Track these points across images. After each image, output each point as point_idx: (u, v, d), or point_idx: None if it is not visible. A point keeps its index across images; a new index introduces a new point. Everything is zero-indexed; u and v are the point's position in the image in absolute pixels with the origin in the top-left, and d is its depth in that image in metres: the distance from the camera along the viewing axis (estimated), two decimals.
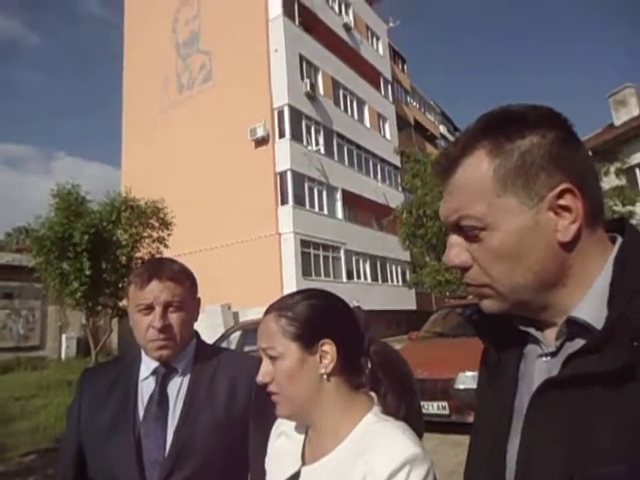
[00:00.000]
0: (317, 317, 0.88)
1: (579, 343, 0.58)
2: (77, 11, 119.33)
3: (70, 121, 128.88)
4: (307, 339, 0.86)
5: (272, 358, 0.87)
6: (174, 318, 1.17)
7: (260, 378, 0.88)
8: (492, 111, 0.64)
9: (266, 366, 0.88)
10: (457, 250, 0.64)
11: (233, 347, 7.82)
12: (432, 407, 5.24)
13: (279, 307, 0.91)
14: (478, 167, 0.61)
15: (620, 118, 15.98)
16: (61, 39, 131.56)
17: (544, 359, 0.64)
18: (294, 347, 0.86)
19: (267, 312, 0.92)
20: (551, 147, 0.59)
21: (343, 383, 0.88)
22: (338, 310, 0.92)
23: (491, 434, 0.68)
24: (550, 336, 0.63)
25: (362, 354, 0.92)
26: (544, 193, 0.58)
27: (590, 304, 0.58)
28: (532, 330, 0.65)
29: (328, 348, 0.86)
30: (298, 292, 0.94)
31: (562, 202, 0.58)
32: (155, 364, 1.21)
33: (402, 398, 0.89)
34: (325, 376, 0.86)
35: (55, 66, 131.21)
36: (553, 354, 0.62)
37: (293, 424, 0.96)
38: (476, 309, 0.71)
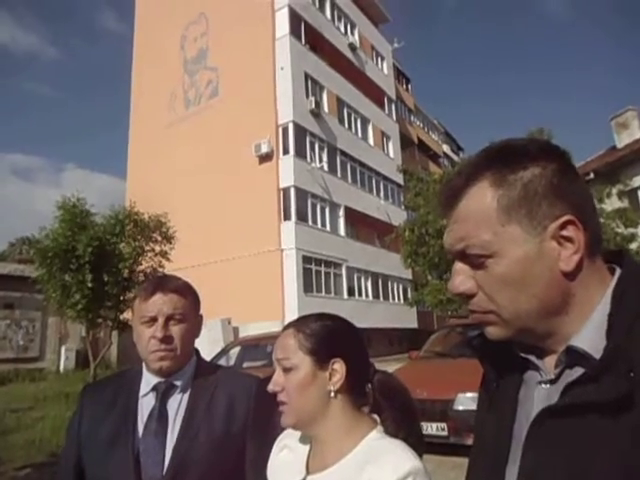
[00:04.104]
0: (332, 337, 0.95)
1: (578, 372, 0.60)
2: (94, 27, 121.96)
3: (81, 133, 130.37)
4: (320, 355, 0.92)
5: (285, 369, 0.93)
6: (175, 330, 1.20)
7: (271, 387, 0.94)
8: (493, 144, 0.67)
9: (278, 376, 0.94)
10: (462, 277, 0.65)
11: (232, 362, 7.77)
12: (431, 428, 5.19)
13: (298, 324, 0.98)
14: (482, 197, 0.63)
15: (622, 140, 16.08)
16: (76, 53, 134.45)
17: (543, 386, 0.65)
18: (308, 361, 0.92)
19: (286, 328, 0.99)
20: (552, 178, 0.61)
21: (348, 402, 0.94)
22: (351, 334, 0.99)
23: (489, 459, 0.68)
24: (550, 363, 0.65)
25: (367, 380, 0.98)
26: (547, 223, 0.60)
27: (589, 334, 0.60)
28: (533, 357, 0.66)
29: (338, 367, 0.92)
30: (317, 314, 1.01)
31: (565, 233, 0.60)
32: (155, 380, 1.23)
33: (401, 425, 0.94)
34: (333, 393, 0.92)
35: (69, 79, 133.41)
36: (552, 381, 0.64)
37: (296, 438, 1.00)
38: (477, 334, 0.72)
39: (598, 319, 0.60)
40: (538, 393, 0.65)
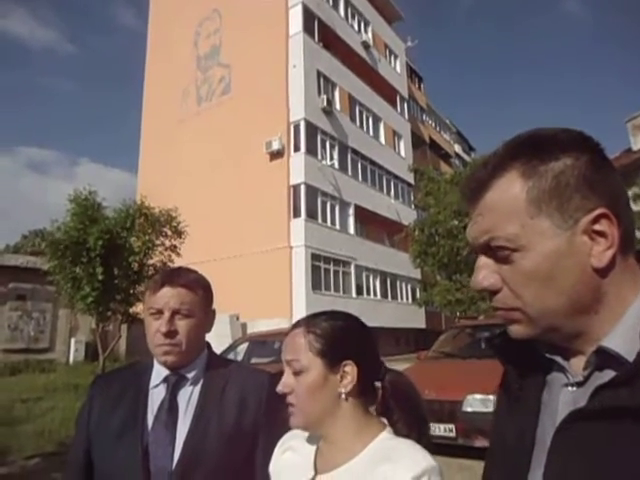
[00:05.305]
0: (343, 338, 0.92)
1: (608, 374, 0.57)
2: (111, 23, 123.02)
3: (96, 128, 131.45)
4: (331, 357, 0.89)
5: (295, 372, 0.90)
6: (182, 325, 1.19)
7: (280, 388, 0.91)
8: (522, 133, 0.63)
9: (287, 377, 0.91)
10: (486, 272, 0.62)
11: (240, 358, 7.80)
12: (439, 429, 5.15)
13: (308, 323, 0.94)
14: (510, 188, 0.60)
15: (638, 143, 15.84)
16: (93, 49, 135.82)
17: (570, 389, 0.61)
18: (318, 363, 0.89)
19: (295, 326, 0.96)
20: (585, 170, 0.58)
21: (359, 404, 0.91)
22: (363, 335, 0.96)
23: (510, 464, 0.65)
24: (576, 365, 0.61)
25: (378, 380, 0.95)
26: (579, 216, 0.57)
27: (622, 335, 0.57)
28: (559, 358, 0.63)
29: (349, 369, 0.89)
30: (328, 312, 0.98)
31: (598, 227, 0.57)
32: (166, 372, 1.22)
33: (412, 428, 0.92)
34: (343, 395, 0.89)
35: (85, 74, 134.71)
36: (580, 384, 0.60)
37: (300, 439, 0.98)
38: (498, 332, 0.69)
39: (632, 320, 0.57)
40: (564, 396, 0.62)
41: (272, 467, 1.00)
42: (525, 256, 0.59)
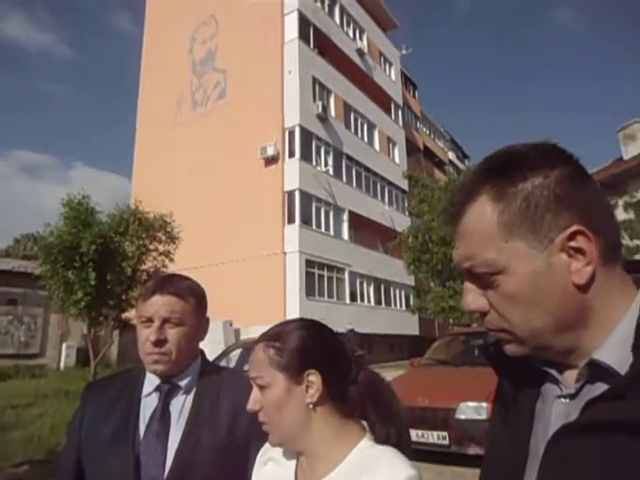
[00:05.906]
0: (304, 348, 0.89)
1: (600, 387, 0.56)
2: (109, 28, 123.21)
3: (90, 132, 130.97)
4: (293, 369, 0.88)
5: (261, 387, 0.89)
6: (172, 334, 1.17)
7: (250, 406, 0.90)
8: (494, 153, 0.63)
9: (255, 395, 0.90)
10: (473, 295, 0.63)
11: (233, 365, 7.76)
12: (432, 437, 5.14)
13: (268, 337, 0.92)
14: (482, 213, 0.60)
15: (629, 152, 16.00)
16: (90, 53, 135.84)
17: (562, 400, 0.62)
18: (281, 377, 0.88)
19: (257, 341, 0.94)
20: (555, 187, 0.57)
21: (332, 412, 0.89)
22: (325, 341, 0.93)
23: (504, 473, 0.66)
24: (570, 377, 0.61)
25: (350, 383, 0.93)
26: (553, 235, 0.57)
27: (613, 347, 0.56)
28: (553, 371, 0.64)
29: (314, 378, 0.88)
30: (289, 322, 0.96)
31: (574, 244, 0.56)
32: (158, 380, 1.21)
33: (390, 427, 0.91)
34: (311, 406, 0.88)
35: (81, 79, 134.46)
36: (572, 396, 0.60)
37: (281, 450, 0.96)
38: (492, 341, 0.69)
39: (623, 332, 0.57)
40: (556, 407, 0.62)
41: (254, 478, 0.99)
42: (506, 279, 0.59)
